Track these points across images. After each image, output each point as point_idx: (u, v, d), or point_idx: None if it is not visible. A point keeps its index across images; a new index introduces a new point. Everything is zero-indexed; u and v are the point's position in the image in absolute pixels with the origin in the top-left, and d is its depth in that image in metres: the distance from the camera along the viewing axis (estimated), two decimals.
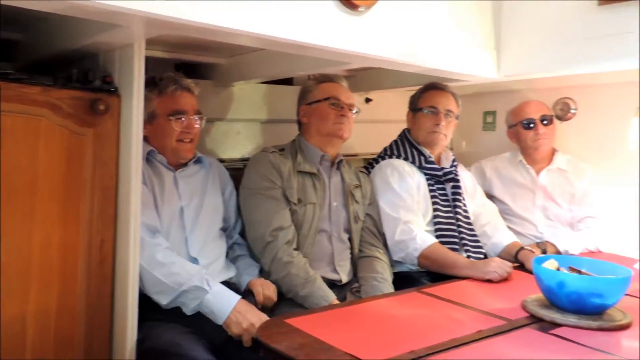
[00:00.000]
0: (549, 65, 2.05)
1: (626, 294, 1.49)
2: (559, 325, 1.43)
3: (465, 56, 2.02)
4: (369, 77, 2.54)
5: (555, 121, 2.48)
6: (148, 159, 1.72)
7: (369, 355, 1.19)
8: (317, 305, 1.67)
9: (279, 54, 1.95)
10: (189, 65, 2.31)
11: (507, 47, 2.10)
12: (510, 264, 1.89)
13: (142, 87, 1.51)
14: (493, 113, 2.91)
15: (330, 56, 1.70)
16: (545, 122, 2.40)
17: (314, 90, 1.98)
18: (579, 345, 1.30)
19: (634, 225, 2.36)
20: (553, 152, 2.47)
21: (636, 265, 2.14)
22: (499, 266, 1.84)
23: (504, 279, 1.83)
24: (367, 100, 2.75)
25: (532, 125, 2.40)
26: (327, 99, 1.93)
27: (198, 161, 1.86)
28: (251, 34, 1.38)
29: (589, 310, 1.45)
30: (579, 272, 1.54)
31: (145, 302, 1.55)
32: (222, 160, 2.15)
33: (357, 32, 1.61)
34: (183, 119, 1.74)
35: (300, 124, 2.05)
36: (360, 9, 1.56)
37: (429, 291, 1.74)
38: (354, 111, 1.97)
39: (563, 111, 2.61)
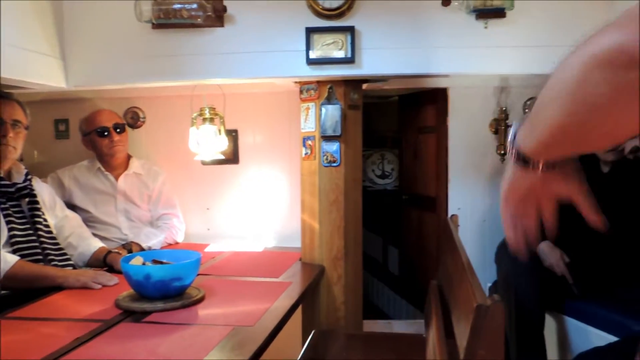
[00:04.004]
0: (115, 77, 2.20)
1: (199, 274, 1.81)
2: (150, 312, 1.61)
3: (28, 63, 1.94)
4: None
5: (128, 129, 2.67)
6: None
7: None
8: None
9: None
10: None
11: (75, 58, 2.14)
12: (107, 274, 1.97)
13: None
14: (65, 121, 2.86)
15: None
16: (118, 130, 2.54)
17: None
18: (167, 324, 1.52)
19: (203, 216, 2.82)
20: (128, 157, 2.65)
21: (206, 249, 2.59)
22: (96, 276, 1.92)
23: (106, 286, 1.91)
24: None
25: (106, 134, 2.51)
26: None
27: None
28: None
29: (173, 293, 1.70)
30: (162, 262, 1.77)
31: None
32: None
33: None
34: None
35: None
36: None
37: (15, 315, 1.62)
38: None
39: (133, 119, 2.84)
